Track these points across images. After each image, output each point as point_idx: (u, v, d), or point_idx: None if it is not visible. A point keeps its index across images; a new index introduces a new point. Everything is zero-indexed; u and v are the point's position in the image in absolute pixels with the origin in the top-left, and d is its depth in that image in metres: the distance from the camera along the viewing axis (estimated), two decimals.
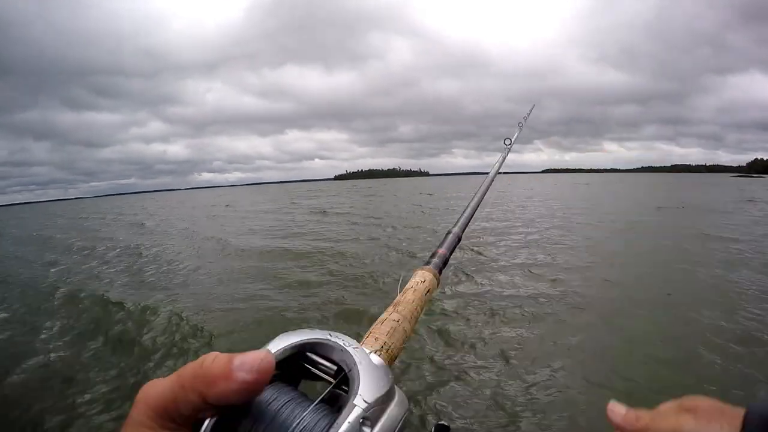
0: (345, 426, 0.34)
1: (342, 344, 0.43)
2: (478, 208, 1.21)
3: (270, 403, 0.36)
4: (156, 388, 0.34)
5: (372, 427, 0.36)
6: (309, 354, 0.43)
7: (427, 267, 0.82)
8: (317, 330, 0.45)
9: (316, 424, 0.35)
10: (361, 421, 0.35)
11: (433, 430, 0.46)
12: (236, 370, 0.33)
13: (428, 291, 0.76)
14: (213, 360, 0.34)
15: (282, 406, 0.36)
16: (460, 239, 0.99)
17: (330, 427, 0.34)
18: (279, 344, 0.42)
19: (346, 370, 0.41)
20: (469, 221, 1.09)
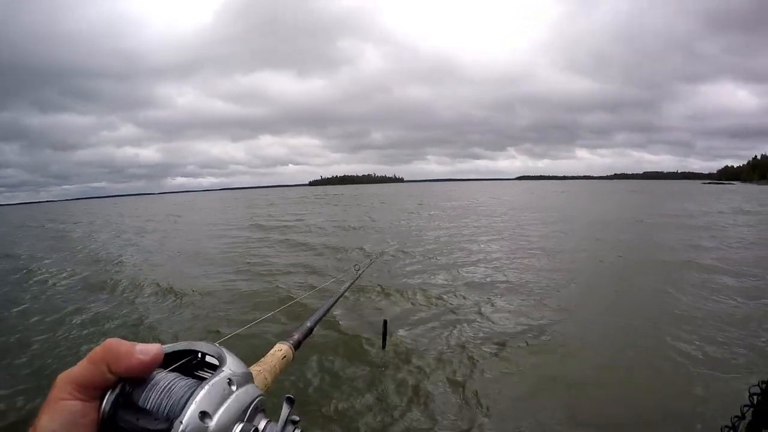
0: (215, 379, 0.45)
1: (217, 346, 0.54)
2: (331, 310, 1.64)
3: (160, 376, 0.45)
4: (72, 369, 0.42)
5: (237, 386, 0.47)
6: (196, 356, 0.53)
7: (286, 342, 1.09)
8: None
9: (192, 384, 0.45)
10: (228, 380, 0.47)
11: (284, 401, 0.54)
12: (137, 353, 0.43)
13: (284, 357, 1.00)
14: (118, 343, 0.43)
15: (168, 379, 0.45)
16: (311, 331, 1.28)
17: (204, 382, 0.45)
18: (170, 347, 0.52)
19: (216, 356, 0.52)
20: (321, 318, 1.42)
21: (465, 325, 6.10)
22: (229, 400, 0.45)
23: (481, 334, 5.74)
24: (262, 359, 0.98)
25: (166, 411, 0.43)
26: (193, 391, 0.44)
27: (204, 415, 0.42)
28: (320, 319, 1.40)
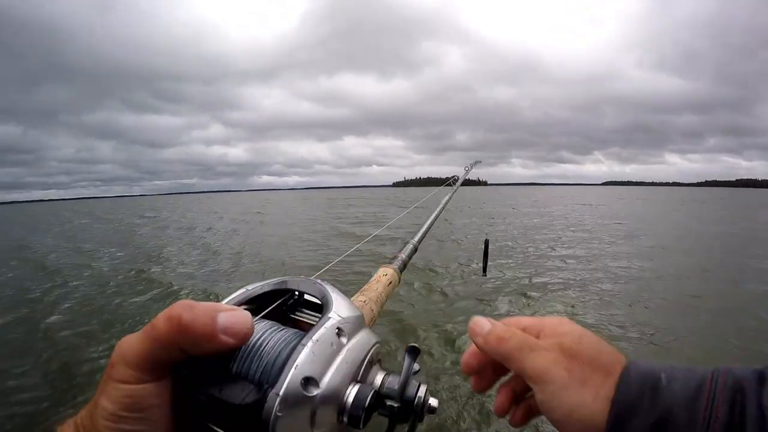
0: (321, 330, 0.38)
1: (319, 282, 0.46)
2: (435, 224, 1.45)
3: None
4: (131, 345, 0.34)
5: (348, 338, 0.39)
6: (287, 295, 0.47)
7: (390, 265, 0.97)
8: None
9: (292, 337, 0.38)
10: (336, 330, 0.39)
11: (406, 350, 0.44)
12: (221, 333, 0.34)
13: (390, 283, 0.89)
14: (193, 316, 0.33)
15: (260, 332, 0.38)
16: (416, 249, 1.16)
17: (306, 335, 0.37)
18: (259, 286, 0.46)
19: (319, 296, 0.44)
20: (425, 235, 1.28)
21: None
22: (339, 358, 0.37)
23: None
24: (365, 287, 0.86)
25: (257, 376, 0.35)
26: (293, 349, 0.36)
27: (308, 381, 0.34)
28: (424, 235, 1.27)
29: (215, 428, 0.34)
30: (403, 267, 1.03)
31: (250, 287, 0.46)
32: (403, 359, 0.43)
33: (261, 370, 0.35)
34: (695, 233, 16.92)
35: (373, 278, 0.90)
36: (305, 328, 0.40)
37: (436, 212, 1.58)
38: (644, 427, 0.34)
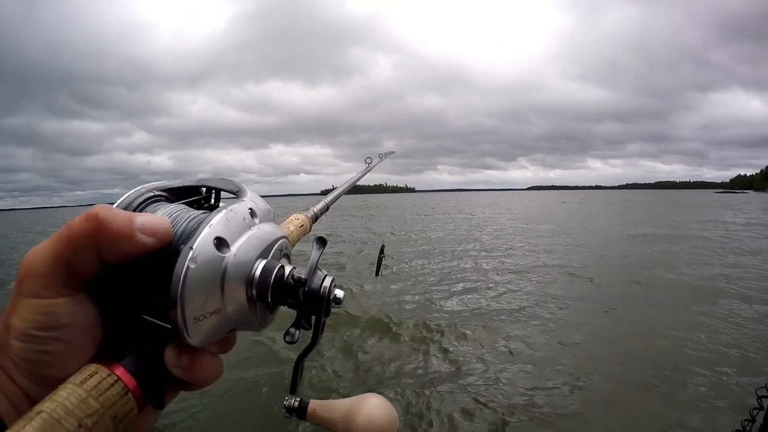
0: (236, 204, 0.40)
1: (237, 182, 0.47)
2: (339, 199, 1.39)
3: (165, 209, 0.40)
4: (41, 254, 0.32)
5: (260, 220, 0.42)
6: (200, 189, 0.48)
7: (303, 212, 0.96)
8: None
9: (204, 215, 0.38)
10: (249, 210, 0.41)
11: (314, 240, 0.47)
12: (138, 232, 0.32)
13: (302, 226, 0.89)
14: (112, 215, 0.32)
15: (175, 209, 0.40)
16: (328, 207, 1.15)
17: (220, 207, 0.39)
18: (178, 182, 0.46)
19: (235, 190, 0.45)
20: (337, 198, 1.30)
21: None
22: (250, 232, 0.39)
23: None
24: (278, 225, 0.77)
25: (172, 241, 0.36)
26: (207, 217, 0.37)
27: (220, 242, 0.35)
28: (336, 198, 1.29)
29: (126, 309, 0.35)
30: (315, 219, 1.02)
31: (167, 182, 0.45)
32: (312, 246, 0.45)
33: (176, 235, 0.36)
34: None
35: (286, 219, 0.89)
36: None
37: (352, 180, 1.72)
38: None
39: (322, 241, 0.45)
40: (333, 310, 0.44)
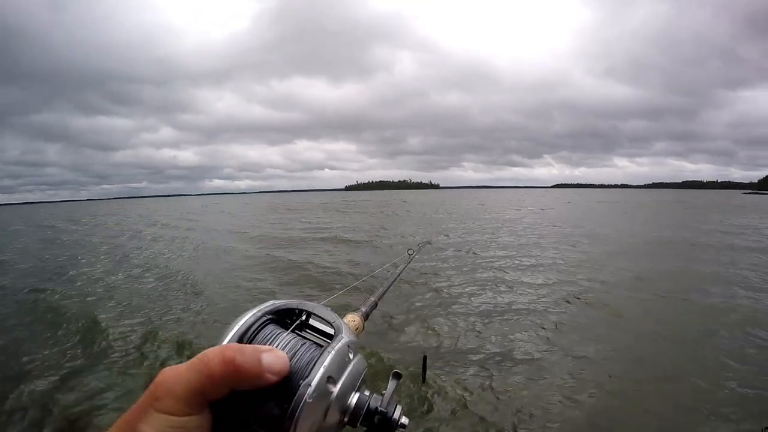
0: (339, 344, 0.47)
1: (331, 310, 0.57)
2: (389, 290, 1.52)
3: (282, 338, 0.48)
4: (180, 379, 0.38)
5: (354, 354, 0.49)
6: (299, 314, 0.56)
7: (357, 312, 1.08)
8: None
9: (314, 348, 0.47)
10: (348, 346, 0.48)
11: (391, 374, 0.56)
12: (266, 372, 0.40)
13: (357, 329, 0.99)
14: (243, 358, 0.39)
15: (290, 342, 0.47)
16: (376, 305, 1.25)
17: (325, 349, 0.46)
18: (279, 304, 0.54)
19: (331, 321, 0.54)
20: (383, 294, 1.39)
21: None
22: (349, 367, 0.47)
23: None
24: None
25: (290, 372, 0.43)
26: (320, 355, 0.45)
27: (330, 379, 0.43)
28: (383, 294, 1.37)
29: (244, 424, 0.41)
30: (366, 317, 1.09)
31: (276, 301, 0.54)
32: (388, 381, 0.55)
33: (293, 366, 0.43)
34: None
35: (343, 319, 0.82)
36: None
37: (394, 279, 1.71)
38: None
39: (397, 376, 0.55)
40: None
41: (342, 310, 0.79)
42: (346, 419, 0.46)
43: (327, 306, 0.56)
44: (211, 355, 0.39)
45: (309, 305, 0.55)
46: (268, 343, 0.46)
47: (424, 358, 4.79)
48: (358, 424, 0.48)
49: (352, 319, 1.03)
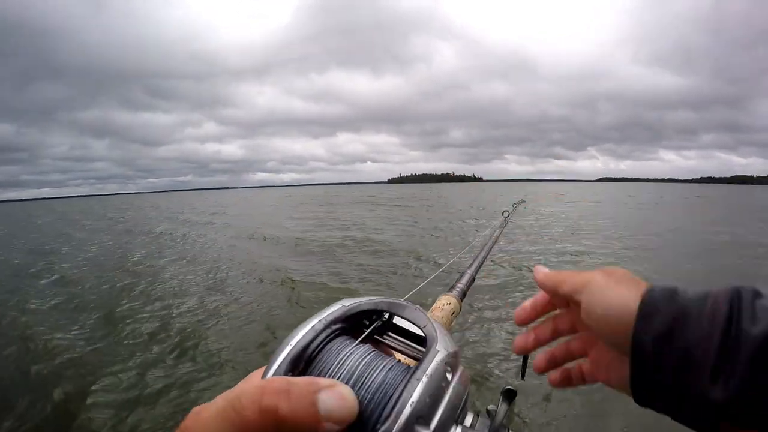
0: (433, 365, 0.34)
1: (414, 306, 0.44)
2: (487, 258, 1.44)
3: (351, 357, 0.36)
4: (211, 423, 0.30)
5: (453, 373, 0.36)
6: (379, 315, 0.45)
7: (451, 293, 0.96)
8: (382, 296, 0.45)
9: (397, 370, 0.35)
10: (446, 365, 0.35)
11: (501, 394, 0.43)
12: (324, 420, 0.29)
13: (453, 313, 0.89)
14: (290, 406, 0.29)
15: (364, 360, 0.35)
16: (474, 279, 1.15)
17: (415, 371, 0.33)
18: (353, 306, 0.42)
19: (420, 325, 0.41)
20: (480, 265, 1.27)
21: None
22: (447, 396, 0.34)
23: None
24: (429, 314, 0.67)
25: (364, 411, 0.32)
26: (405, 386, 0.32)
27: (419, 420, 0.31)
28: (480, 266, 1.27)
29: None
30: (463, 295, 1.00)
31: (346, 303, 0.42)
32: (498, 401, 0.42)
33: (369, 405, 0.32)
34: None
35: (435, 305, 0.88)
36: (389, 353, 0.41)
37: (489, 245, 1.62)
38: (666, 316, 0.42)
39: (510, 395, 0.42)
40: None
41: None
42: None
43: (414, 304, 0.43)
44: (245, 401, 0.29)
45: (389, 303, 0.43)
46: (334, 367, 0.34)
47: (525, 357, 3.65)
48: None
49: (447, 301, 0.91)
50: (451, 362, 0.36)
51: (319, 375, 0.34)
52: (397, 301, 0.44)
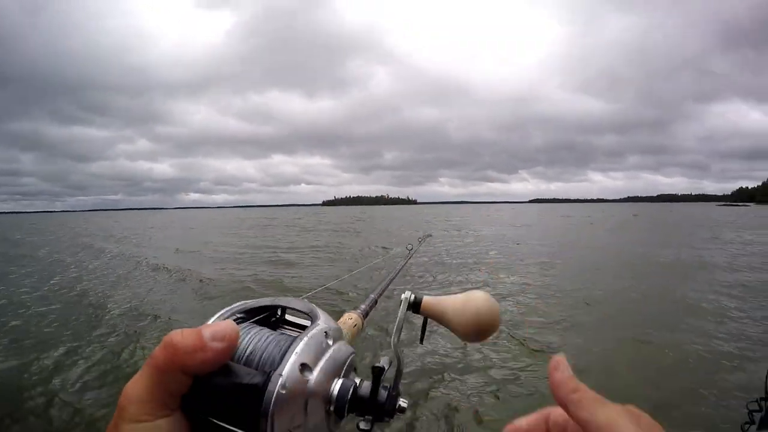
0: (314, 330, 0.44)
1: (306, 301, 0.52)
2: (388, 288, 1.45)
3: (249, 330, 0.44)
4: (138, 384, 0.36)
5: (333, 341, 0.45)
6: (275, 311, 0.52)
7: (355, 311, 1.01)
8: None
9: (286, 338, 0.43)
10: (324, 333, 0.45)
11: (371, 369, 0.50)
12: (209, 341, 0.36)
13: (355, 326, 0.93)
14: (182, 336, 0.36)
15: (258, 332, 0.43)
16: (376, 302, 1.19)
17: (297, 337, 0.42)
18: (249, 303, 0.50)
19: (307, 311, 0.49)
20: (383, 292, 1.31)
21: None
22: (327, 354, 0.43)
23: None
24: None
25: (259, 364, 0.40)
26: (291, 341, 0.41)
27: (304, 367, 0.40)
28: (382, 292, 1.31)
29: (217, 422, 0.37)
30: (366, 315, 1.05)
31: (247, 302, 0.50)
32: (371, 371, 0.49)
33: (262, 358, 0.40)
34: None
35: (341, 319, 0.93)
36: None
37: (393, 273, 1.67)
38: None
39: (378, 370, 0.48)
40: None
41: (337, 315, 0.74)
42: (331, 408, 0.43)
43: (307, 299, 0.51)
44: (155, 348, 0.36)
45: (284, 300, 0.51)
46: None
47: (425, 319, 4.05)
48: (347, 413, 0.44)
49: (350, 317, 0.98)
50: (332, 333, 0.45)
51: None
52: (288, 298, 0.52)
